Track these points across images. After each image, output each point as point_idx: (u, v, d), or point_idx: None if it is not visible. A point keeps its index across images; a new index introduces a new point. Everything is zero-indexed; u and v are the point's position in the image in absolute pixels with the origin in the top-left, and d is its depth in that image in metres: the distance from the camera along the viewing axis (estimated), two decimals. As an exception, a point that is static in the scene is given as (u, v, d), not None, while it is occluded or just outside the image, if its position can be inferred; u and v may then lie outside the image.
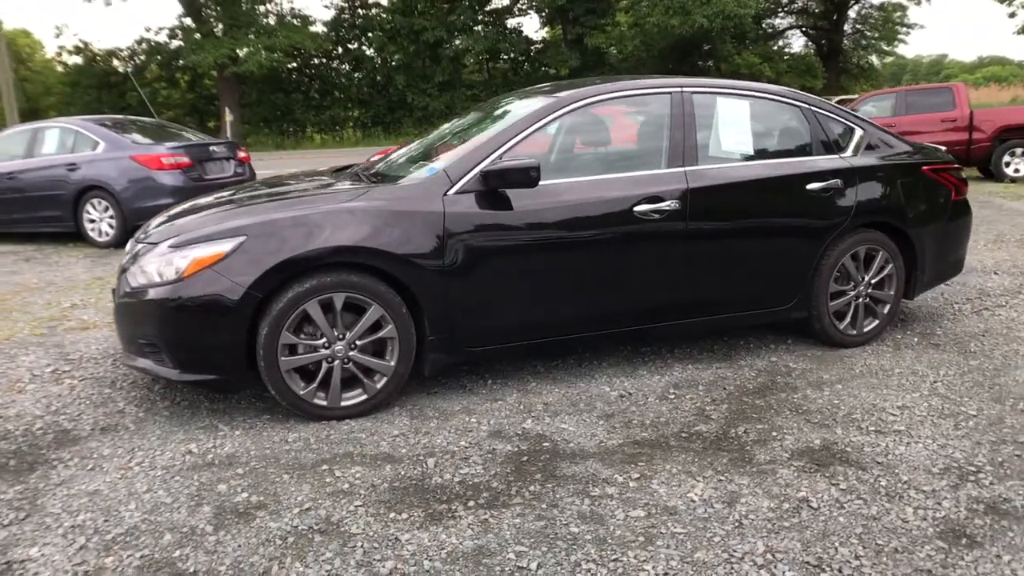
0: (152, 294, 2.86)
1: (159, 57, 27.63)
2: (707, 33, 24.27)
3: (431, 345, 3.04)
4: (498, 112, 3.63)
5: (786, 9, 28.95)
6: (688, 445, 2.75)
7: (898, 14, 28.79)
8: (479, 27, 28.19)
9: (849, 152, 3.73)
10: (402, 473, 2.57)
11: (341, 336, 2.92)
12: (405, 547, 2.14)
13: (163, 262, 2.87)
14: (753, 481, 2.48)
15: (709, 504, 2.34)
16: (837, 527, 2.21)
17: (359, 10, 28.98)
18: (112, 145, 6.99)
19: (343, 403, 2.97)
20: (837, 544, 2.12)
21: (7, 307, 4.94)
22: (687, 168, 3.34)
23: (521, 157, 3.02)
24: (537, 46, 30.49)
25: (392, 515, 2.31)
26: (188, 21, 26.41)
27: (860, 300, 3.76)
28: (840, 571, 2.00)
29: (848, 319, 3.76)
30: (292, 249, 2.79)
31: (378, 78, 29.42)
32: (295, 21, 27.87)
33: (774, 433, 2.84)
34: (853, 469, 2.56)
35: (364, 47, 29.96)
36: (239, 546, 2.16)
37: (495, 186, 2.99)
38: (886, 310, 3.84)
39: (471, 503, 2.36)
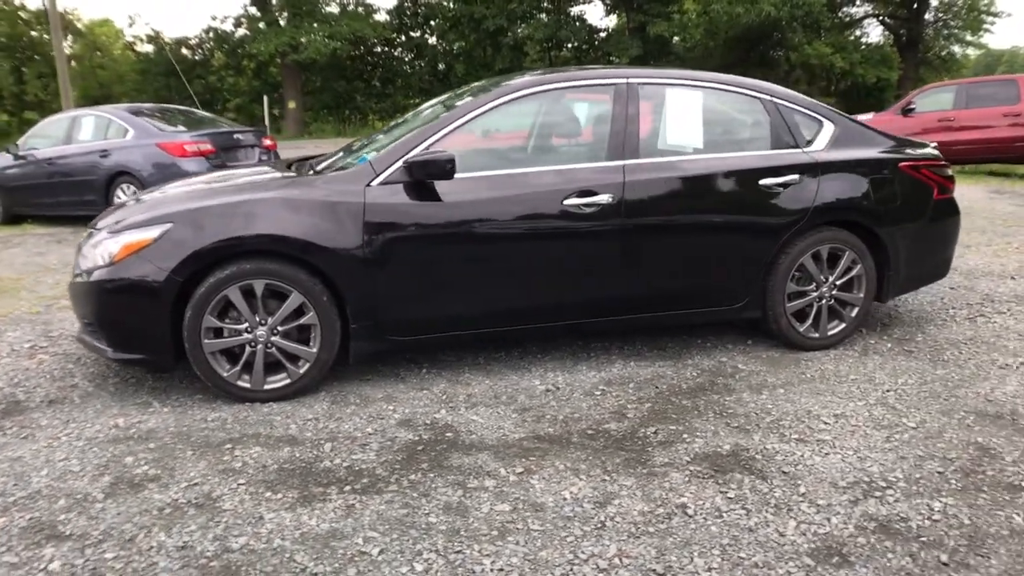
0: (91, 277, 3.02)
1: (225, 46, 28.77)
2: (776, 22, 23.35)
3: (354, 333, 3.09)
4: (448, 103, 3.63)
5: (863, -4, 27.51)
6: (589, 443, 2.71)
7: (985, 2, 26.87)
8: (542, 15, 28.09)
9: (814, 147, 3.55)
10: (296, 455, 2.63)
11: (263, 322, 3.01)
12: (265, 525, 2.20)
13: (102, 247, 3.02)
14: (638, 483, 2.42)
15: (579, 503, 2.30)
16: (704, 537, 2.13)
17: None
18: (141, 133, 7.36)
19: (266, 386, 3.06)
20: (695, 554, 2.05)
21: (18, 286, 5.29)
22: (626, 162, 3.26)
23: (441, 150, 3.02)
24: (602, 34, 30.16)
25: (268, 495, 2.37)
26: (254, 11, 27.34)
27: (823, 302, 3.59)
28: (682, 581, 1.94)
29: (810, 321, 3.60)
30: (211, 236, 2.88)
31: (440, 66, 29.77)
32: (359, 10, 28.52)
33: (685, 435, 2.76)
34: (752, 478, 2.46)
35: (427, 35, 30.34)
36: (118, 514, 2.27)
37: (418, 177, 3.01)
38: (854, 313, 3.65)
39: (347, 488, 2.41)
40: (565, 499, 2.32)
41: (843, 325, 3.66)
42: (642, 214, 3.24)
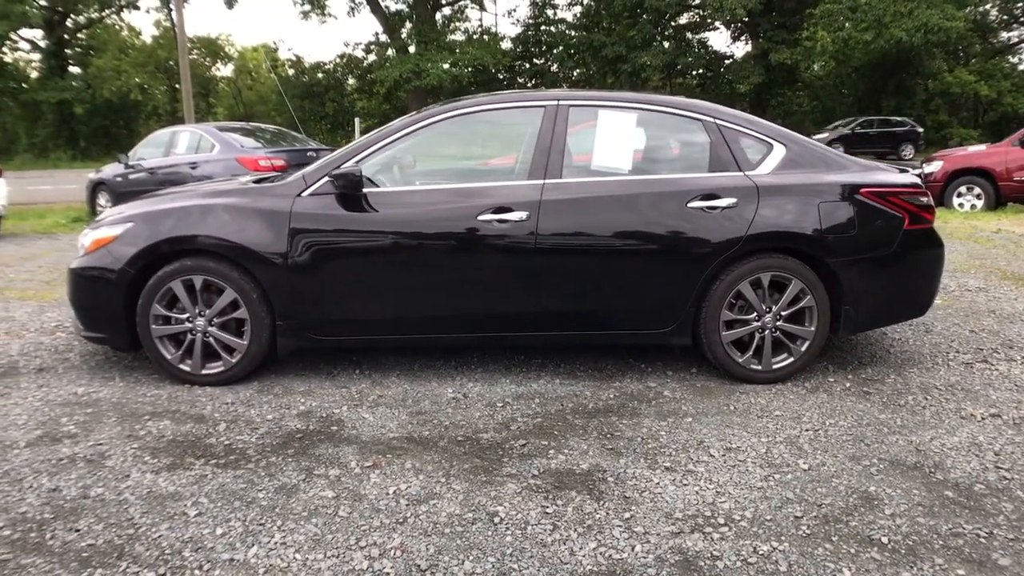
0: (71, 265, 3.52)
1: (356, 71, 31.01)
2: (910, 49, 21.84)
3: (280, 330, 3.37)
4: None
5: (1021, 21, 24.90)
6: (452, 448, 2.80)
7: None
8: (665, 42, 27.96)
9: (759, 170, 3.44)
10: (193, 431, 2.93)
11: (202, 313, 3.36)
12: (126, 482, 2.49)
13: (82, 239, 3.52)
14: (467, 488, 2.49)
15: (397, 499, 2.41)
16: (491, 544, 2.17)
17: (543, 27, 30.11)
18: (225, 148, 8.23)
19: (203, 371, 3.40)
20: (469, 558, 2.10)
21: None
22: (546, 181, 3.33)
23: (352, 165, 3.27)
24: (727, 61, 29.57)
25: (147, 458, 2.68)
26: (384, 38, 29.27)
27: (767, 333, 3.44)
28: (439, 578, 2.01)
29: (751, 352, 3.46)
30: (157, 236, 3.29)
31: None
32: (485, 38, 29.77)
33: (551, 451, 2.78)
34: (586, 497, 2.45)
35: (548, 62, 31.05)
36: (25, 460, 2.66)
37: (339, 190, 3.26)
38: (804, 347, 3.47)
39: (213, 462, 2.66)
40: (388, 494, 2.44)
41: (791, 359, 3.48)
42: (557, 233, 3.29)
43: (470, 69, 27.62)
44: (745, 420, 3.10)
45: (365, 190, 3.29)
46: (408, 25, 28.78)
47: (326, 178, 3.30)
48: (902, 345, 4.14)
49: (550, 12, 30.15)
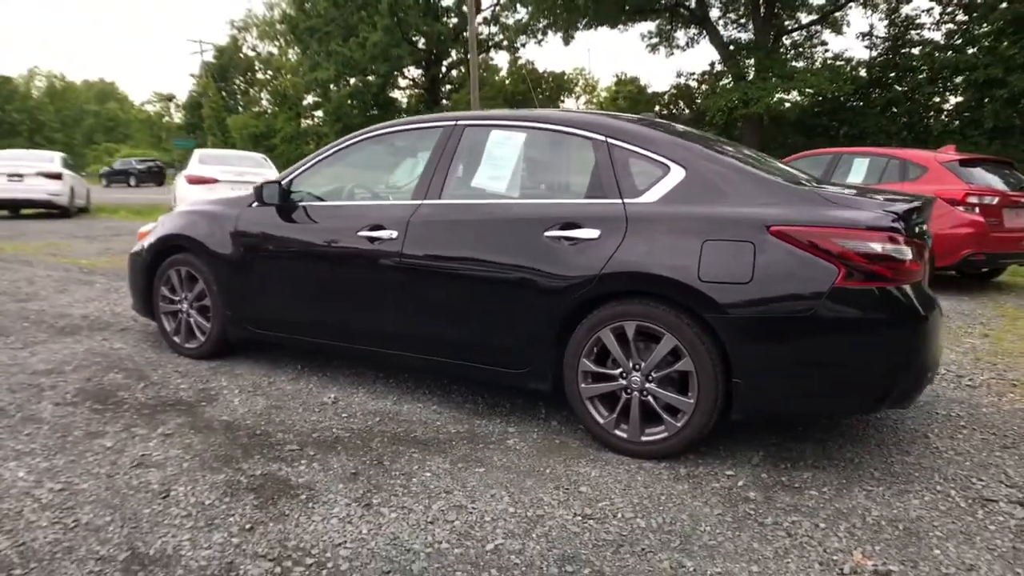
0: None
1: (685, 101, 30.92)
2: None
3: (227, 319, 3.95)
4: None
5: None
6: (238, 436, 3.01)
7: None
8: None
9: (642, 198, 2.87)
10: (166, 395, 3.55)
11: (185, 298, 4.13)
12: (93, 428, 3.11)
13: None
14: (196, 466, 2.71)
15: (118, 454, 2.75)
16: (137, 506, 2.38)
17: (903, 49, 26.18)
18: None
19: (186, 345, 4.17)
20: (107, 513, 2.35)
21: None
22: (424, 201, 3.30)
23: (272, 180, 3.70)
24: None
25: (130, 421, 3.42)
26: (719, 67, 28.64)
27: (634, 395, 2.85)
28: None
29: (618, 413, 2.91)
30: (160, 234, 4.17)
31: (928, 119, 26.03)
32: (837, 63, 27.13)
33: (306, 460, 2.82)
34: (264, 503, 2.48)
35: (908, 88, 26.88)
36: (24, 397, 3.69)
37: (256, 200, 3.75)
38: (682, 422, 2.78)
39: (173, 420, 3.23)
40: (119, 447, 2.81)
41: (664, 433, 2.82)
42: (419, 254, 3.24)
43: (807, 97, 25.45)
44: (540, 485, 2.66)
45: (279, 204, 3.69)
46: (743, 53, 27.80)
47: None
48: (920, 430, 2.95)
49: (915, 33, 26.08)
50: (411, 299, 3.30)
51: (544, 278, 2.96)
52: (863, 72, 27.23)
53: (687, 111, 32.43)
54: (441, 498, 2.55)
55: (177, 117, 59.67)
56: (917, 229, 2.79)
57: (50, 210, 14.10)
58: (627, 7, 28.62)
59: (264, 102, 53.81)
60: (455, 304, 3.21)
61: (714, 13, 29.44)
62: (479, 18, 36.27)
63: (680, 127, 3.36)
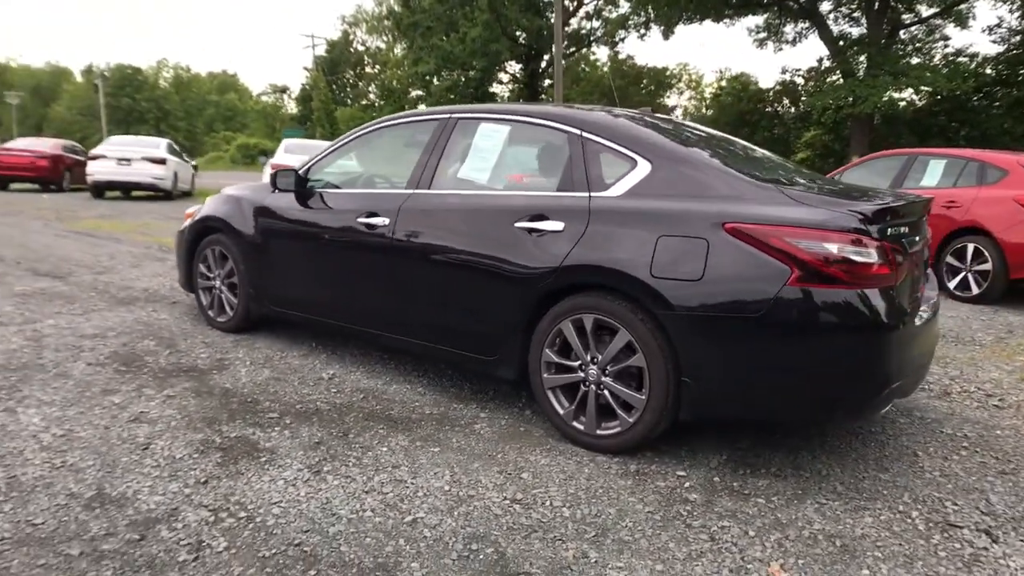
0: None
1: (790, 98, 29.47)
2: None
3: (249, 296, 4.26)
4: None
5: None
6: (227, 402, 3.27)
7: None
8: None
9: (608, 191, 2.89)
10: (185, 362, 3.90)
11: (218, 275, 4.47)
12: (111, 386, 3.50)
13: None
14: (178, 426, 2.98)
15: (122, 409, 3.06)
16: (111, 449, 2.68)
17: (1037, 43, 23.87)
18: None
19: (218, 319, 4.52)
20: (90, 458, 2.66)
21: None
22: (415, 191, 3.44)
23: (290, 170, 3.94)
24: None
25: (146, 378, 3.85)
26: (827, 63, 27.16)
27: (591, 388, 2.88)
28: None
29: (576, 405, 2.95)
30: (199, 215, 4.53)
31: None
32: (959, 59, 25.15)
33: (279, 428, 3.03)
34: (225, 460, 2.71)
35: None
36: (38, 346, 4.14)
37: (273, 187, 4.01)
38: (634, 418, 2.79)
39: (181, 384, 3.56)
40: (122, 402, 3.12)
41: (619, 429, 2.84)
42: (406, 240, 3.38)
43: (924, 96, 23.74)
44: (485, 468, 2.76)
45: (295, 191, 3.94)
46: (854, 48, 26.24)
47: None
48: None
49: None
50: (398, 283, 3.46)
51: (513, 268, 3.04)
52: (988, 69, 25.09)
53: (792, 109, 31.03)
54: (386, 472, 2.69)
55: (292, 108, 63.07)
56: (896, 231, 2.65)
57: (156, 192, 15.41)
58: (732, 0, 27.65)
59: (371, 95, 55.91)
60: (436, 291, 3.34)
61: (825, 6, 27.91)
62: (581, 12, 36.17)
63: (671, 122, 3.33)
